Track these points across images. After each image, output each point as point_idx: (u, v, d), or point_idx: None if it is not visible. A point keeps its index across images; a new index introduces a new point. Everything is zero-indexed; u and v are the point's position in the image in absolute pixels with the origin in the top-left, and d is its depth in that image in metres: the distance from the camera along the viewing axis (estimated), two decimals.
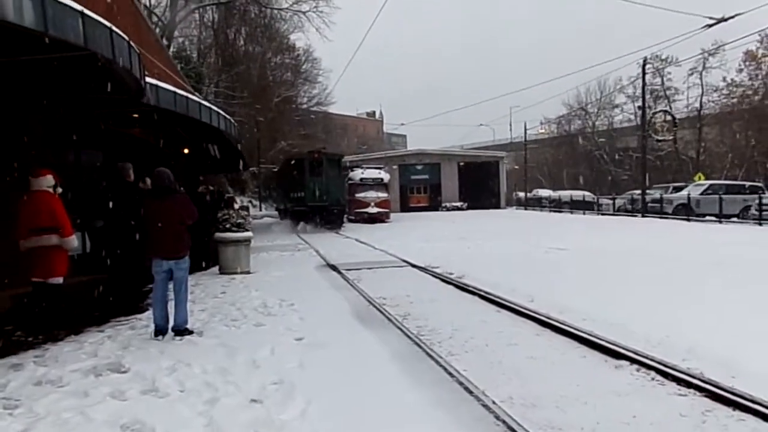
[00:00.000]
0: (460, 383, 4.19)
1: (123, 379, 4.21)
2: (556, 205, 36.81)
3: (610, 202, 31.76)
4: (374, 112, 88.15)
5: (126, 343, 5.28)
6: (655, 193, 27.02)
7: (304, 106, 50.51)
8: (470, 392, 3.99)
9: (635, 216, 26.35)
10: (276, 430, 3.28)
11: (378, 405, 3.70)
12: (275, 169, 36.65)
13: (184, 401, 3.72)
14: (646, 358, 4.61)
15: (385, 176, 30.22)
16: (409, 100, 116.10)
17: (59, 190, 6.58)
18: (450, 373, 4.43)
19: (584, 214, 31.02)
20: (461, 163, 45.65)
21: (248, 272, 10.03)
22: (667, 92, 45.11)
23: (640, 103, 31.33)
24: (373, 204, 28.18)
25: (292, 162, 25.51)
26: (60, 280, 6.33)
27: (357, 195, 28.26)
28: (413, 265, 11.17)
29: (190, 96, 11.48)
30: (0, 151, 8.21)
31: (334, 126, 57.36)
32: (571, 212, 33.08)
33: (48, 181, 6.37)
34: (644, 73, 28.89)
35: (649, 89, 34.72)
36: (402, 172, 43.47)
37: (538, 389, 4.11)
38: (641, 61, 28.47)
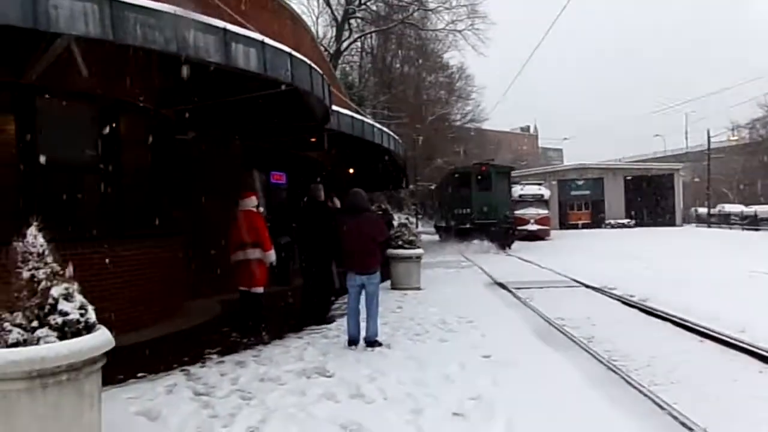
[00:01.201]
0: (674, 417, 3.84)
1: (331, 382, 4.61)
2: (751, 222, 31.96)
3: None
4: (528, 127, 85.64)
5: (324, 350, 5.76)
6: None
7: (458, 123, 50.97)
8: (690, 429, 3.62)
9: None
10: None
11: (585, 428, 3.55)
12: (432, 187, 37.40)
13: (390, 408, 3.95)
14: None
15: (545, 192, 29.20)
16: (566, 113, 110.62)
17: (261, 209, 7.47)
18: (659, 405, 4.08)
19: None
20: (628, 177, 42.15)
21: (419, 288, 10.32)
22: None
23: None
24: (533, 221, 27.29)
25: (456, 175, 23.70)
26: (261, 289, 7.14)
27: (516, 211, 27.51)
28: (586, 286, 10.55)
29: (365, 119, 12.33)
30: (222, 177, 9.62)
31: (488, 142, 56.90)
32: None
33: (253, 201, 7.25)
34: None
35: None
36: (561, 187, 41.47)
37: None
38: None
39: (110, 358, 3.08)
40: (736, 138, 47.04)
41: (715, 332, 6.33)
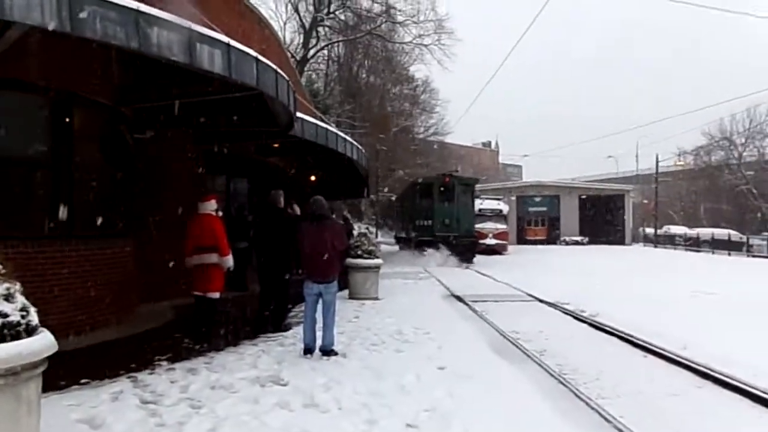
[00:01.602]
0: (620, 430, 3.96)
1: (285, 391, 4.54)
2: (693, 244, 33.55)
3: (764, 242, 28.28)
4: (490, 143, 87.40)
5: (279, 358, 5.67)
6: None
7: (421, 135, 51.52)
8: None
9: None
10: None
11: None
12: (393, 198, 37.58)
13: (345, 418, 3.92)
14: None
15: (504, 207, 29.81)
16: (526, 131, 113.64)
17: (220, 213, 7.33)
18: (606, 418, 4.21)
19: (729, 255, 27.89)
20: (583, 196, 43.63)
21: (377, 298, 10.32)
22: None
23: None
24: (491, 235, 27.77)
25: (418, 186, 22.90)
26: (217, 294, 6.98)
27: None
28: (541, 300, 10.80)
29: (329, 127, 12.31)
30: (179, 179, 9.37)
31: (450, 155, 57.66)
32: (713, 252, 29.93)
33: (212, 205, 7.10)
34: None
35: None
36: (520, 203, 42.46)
37: None
38: None
39: (52, 363, 2.94)
40: (682, 163, 49.43)
41: (658, 348, 6.59)
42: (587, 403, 4.57)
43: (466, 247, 20.80)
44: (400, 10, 35.85)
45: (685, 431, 4.09)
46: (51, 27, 4.17)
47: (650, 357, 6.46)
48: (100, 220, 6.98)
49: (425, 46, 37.51)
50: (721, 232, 33.28)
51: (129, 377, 4.84)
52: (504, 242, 28.59)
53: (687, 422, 4.28)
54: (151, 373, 4.99)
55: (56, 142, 6.40)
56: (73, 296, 6.32)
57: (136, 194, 8.10)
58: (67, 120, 6.48)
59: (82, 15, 4.33)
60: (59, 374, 4.26)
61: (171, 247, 7.54)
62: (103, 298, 6.88)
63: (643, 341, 6.96)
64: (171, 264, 7.69)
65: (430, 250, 20.30)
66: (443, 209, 21.13)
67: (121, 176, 7.67)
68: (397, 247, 28.42)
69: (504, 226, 29.27)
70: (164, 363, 5.37)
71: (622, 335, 7.45)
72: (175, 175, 9.33)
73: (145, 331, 7.09)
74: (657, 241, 38.94)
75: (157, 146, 8.67)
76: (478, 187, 26.35)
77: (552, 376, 5.42)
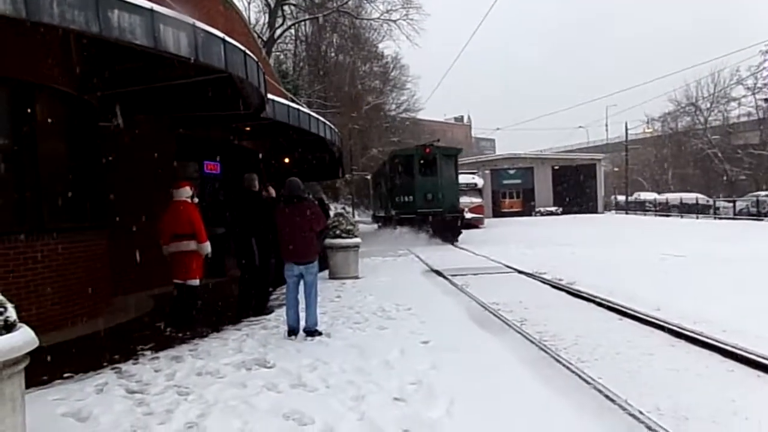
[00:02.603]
0: (599, 390, 4.11)
1: (271, 373, 4.56)
2: (663, 209, 34.48)
3: (730, 205, 29.20)
4: (462, 117, 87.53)
5: (264, 341, 5.69)
6: None
7: (393, 113, 51.33)
8: (612, 400, 3.90)
9: (762, 220, 24.11)
10: (428, 427, 3.41)
11: (520, 407, 3.73)
12: (367, 177, 37.47)
13: (333, 396, 3.97)
14: None
15: (479, 181, 29.98)
16: (498, 104, 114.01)
17: (196, 200, 7.23)
18: (585, 380, 4.35)
19: (697, 218, 28.77)
20: (555, 167, 44.26)
21: (357, 277, 10.38)
22: None
23: (762, 96, 28.66)
24: (467, 209, 27.96)
25: (396, 159, 20.88)
26: (197, 281, 6.96)
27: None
28: (519, 271, 11.00)
29: (301, 108, 12.15)
30: (152, 167, 9.17)
31: (423, 132, 57.63)
32: (681, 216, 30.85)
33: (186, 191, 7.01)
34: None
35: None
36: (494, 176, 42.87)
37: (687, 401, 3.93)
38: (766, 48, 26.06)
39: (34, 358, 2.91)
40: (650, 130, 50.50)
41: (633, 311, 6.81)
42: (567, 368, 4.71)
43: (452, 224, 19.12)
44: None
45: (660, 387, 4.25)
46: (6, 12, 4.00)
47: (626, 320, 6.67)
48: (70, 213, 6.82)
49: (393, 21, 37.15)
50: (689, 197, 34.24)
51: (113, 368, 4.80)
52: (480, 216, 28.85)
53: (660, 378, 4.46)
54: (135, 363, 4.96)
55: (18, 133, 6.18)
56: (50, 290, 6.20)
57: (108, 183, 7.91)
58: (29, 110, 6.25)
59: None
60: (42, 369, 4.23)
61: (147, 236, 7.43)
62: (81, 291, 6.76)
63: (619, 305, 7.17)
64: (147, 252, 7.59)
65: (412, 229, 18.85)
66: (425, 183, 19.29)
67: (90, 166, 7.47)
68: (375, 227, 27.53)
69: (479, 200, 29.52)
70: (148, 352, 5.33)
71: (599, 300, 7.65)
72: (146, 163, 9.12)
73: (126, 321, 7.02)
74: (628, 208, 39.84)
75: (126, 134, 8.44)
76: None
77: (533, 343, 5.56)
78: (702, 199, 33.25)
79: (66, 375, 4.58)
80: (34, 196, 6.25)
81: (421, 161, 19.54)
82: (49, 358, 4.44)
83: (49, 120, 6.58)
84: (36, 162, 6.31)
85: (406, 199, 19.56)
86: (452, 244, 18.39)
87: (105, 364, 4.93)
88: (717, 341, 5.24)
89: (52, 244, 6.42)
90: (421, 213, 18.82)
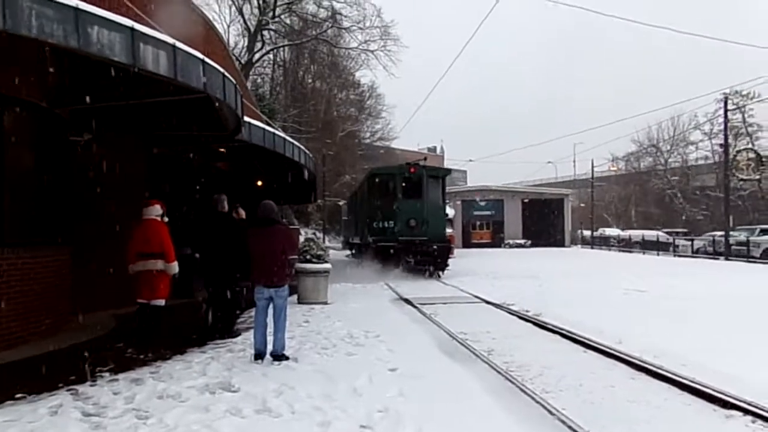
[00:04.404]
0: (562, 421, 4.17)
1: (236, 398, 4.47)
2: (626, 245, 35.46)
3: (688, 243, 30.26)
4: (435, 148, 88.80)
5: (229, 364, 5.58)
6: (740, 235, 25.59)
7: (368, 140, 51.79)
8: (575, 431, 3.95)
9: (717, 259, 25.02)
10: None
11: None
12: (340, 203, 37.47)
13: (298, 422, 3.92)
14: (762, 409, 4.39)
15: (449, 212, 30.25)
16: (471, 137, 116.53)
17: (166, 219, 7.14)
18: (549, 410, 4.41)
19: (658, 255, 29.66)
20: (525, 200, 45.16)
21: (326, 303, 10.30)
22: (749, 129, 43.02)
23: (717, 141, 30.13)
24: None
25: (376, 179, 17.94)
26: (162, 302, 6.83)
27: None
28: (487, 302, 11.10)
29: (276, 132, 12.21)
30: (121, 184, 9.01)
31: (397, 160, 58.21)
32: (643, 253, 31.74)
33: (157, 210, 6.94)
34: (726, 109, 27.82)
35: (729, 126, 33.18)
36: (465, 207, 43.43)
37: None
38: (721, 97, 27.53)
39: None
40: (615, 169, 52.35)
41: (597, 344, 6.94)
42: (532, 398, 4.77)
43: (438, 255, 16.48)
44: (346, 16, 35.99)
45: (620, 418, 4.33)
46: None
47: (590, 352, 6.79)
48: (33, 228, 6.64)
49: (371, 51, 37.81)
50: (650, 234, 35.37)
51: (69, 390, 4.63)
52: (451, 246, 29.03)
53: (622, 410, 4.56)
54: (92, 385, 4.79)
55: None
56: (5, 307, 5.96)
57: (75, 199, 7.74)
58: None
59: (18, 12, 4.14)
60: None
61: (112, 254, 7.27)
62: (39, 308, 6.54)
63: (583, 338, 7.30)
64: (112, 271, 7.41)
65: (392, 259, 16.10)
66: (408, 207, 16.52)
67: (57, 181, 7.31)
68: (346, 254, 25.52)
69: (450, 230, 29.76)
70: (106, 374, 5.17)
71: (564, 332, 7.78)
72: (117, 180, 8.97)
73: (86, 341, 6.78)
74: (593, 243, 40.82)
75: (97, 150, 8.31)
76: None
77: (499, 373, 5.60)
78: (663, 236, 34.36)
79: (18, 396, 4.40)
80: None
81: (405, 182, 16.93)
82: (1, 377, 4.26)
83: (15, 132, 6.44)
84: (0, 174, 6.15)
85: (386, 224, 16.87)
86: (437, 278, 16.18)
87: (61, 385, 4.75)
88: (675, 374, 5.38)
89: (11, 259, 6.22)
90: (403, 241, 16.22)
